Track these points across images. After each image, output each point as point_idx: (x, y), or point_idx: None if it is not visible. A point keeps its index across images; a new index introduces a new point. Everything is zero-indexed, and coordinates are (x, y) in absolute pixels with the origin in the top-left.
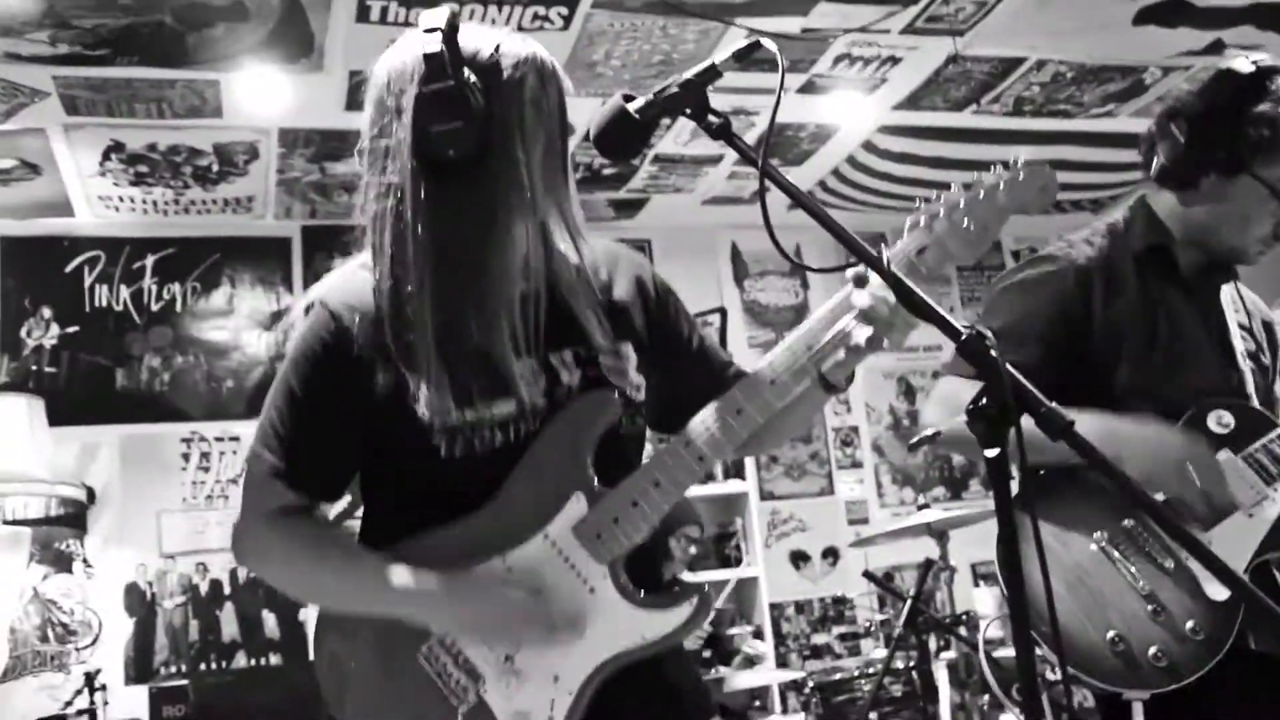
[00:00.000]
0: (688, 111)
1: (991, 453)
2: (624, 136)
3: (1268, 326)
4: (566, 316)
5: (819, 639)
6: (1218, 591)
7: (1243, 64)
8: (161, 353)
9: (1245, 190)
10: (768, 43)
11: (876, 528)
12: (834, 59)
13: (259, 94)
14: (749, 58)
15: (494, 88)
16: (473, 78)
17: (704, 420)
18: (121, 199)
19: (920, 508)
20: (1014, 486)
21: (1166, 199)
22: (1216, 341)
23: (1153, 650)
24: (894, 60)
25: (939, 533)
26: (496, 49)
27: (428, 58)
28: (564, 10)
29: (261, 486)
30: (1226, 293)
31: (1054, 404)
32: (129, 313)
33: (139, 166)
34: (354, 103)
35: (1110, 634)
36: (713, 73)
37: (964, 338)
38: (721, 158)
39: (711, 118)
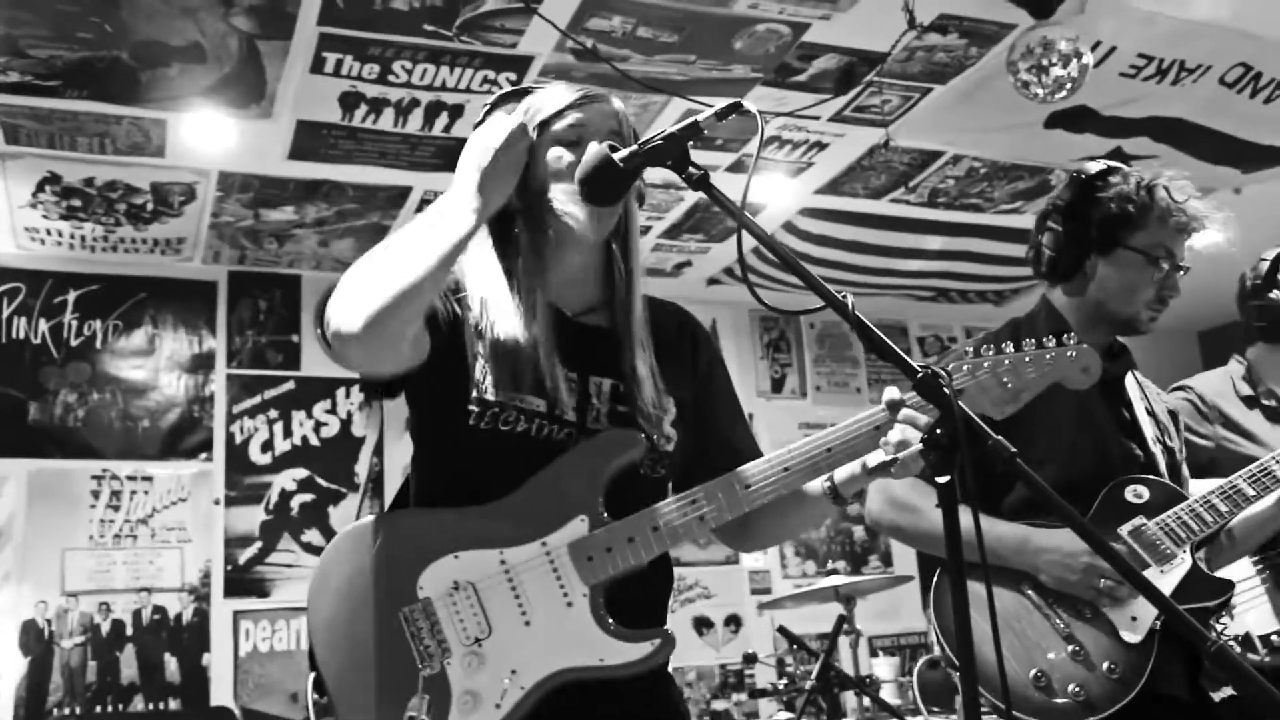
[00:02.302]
0: (669, 163)
1: (942, 479)
2: (607, 183)
3: (1171, 414)
4: (623, 353)
5: (719, 705)
6: (1132, 636)
7: (1091, 165)
8: (78, 388)
9: (1123, 262)
10: (748, 104)
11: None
12: (766, 140)
13: (204, 136)
14: (729, 116)
15: None
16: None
17: (717, 485)
18: (49, 232)
19: (830, 573)
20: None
21: (1060, 295)
22: (1126, 424)
23: (1072, 687)
24: (821, 145)
25: (846, 597)
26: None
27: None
28: (513, 76)
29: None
30: (1130, 380)
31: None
32: (46, 346)
33: (73, 200)
34: (298, 151)
35: (1033, 671)
36: (694, 129)
37: (920, 376)
38: (648, 228)
39: (692, 169)
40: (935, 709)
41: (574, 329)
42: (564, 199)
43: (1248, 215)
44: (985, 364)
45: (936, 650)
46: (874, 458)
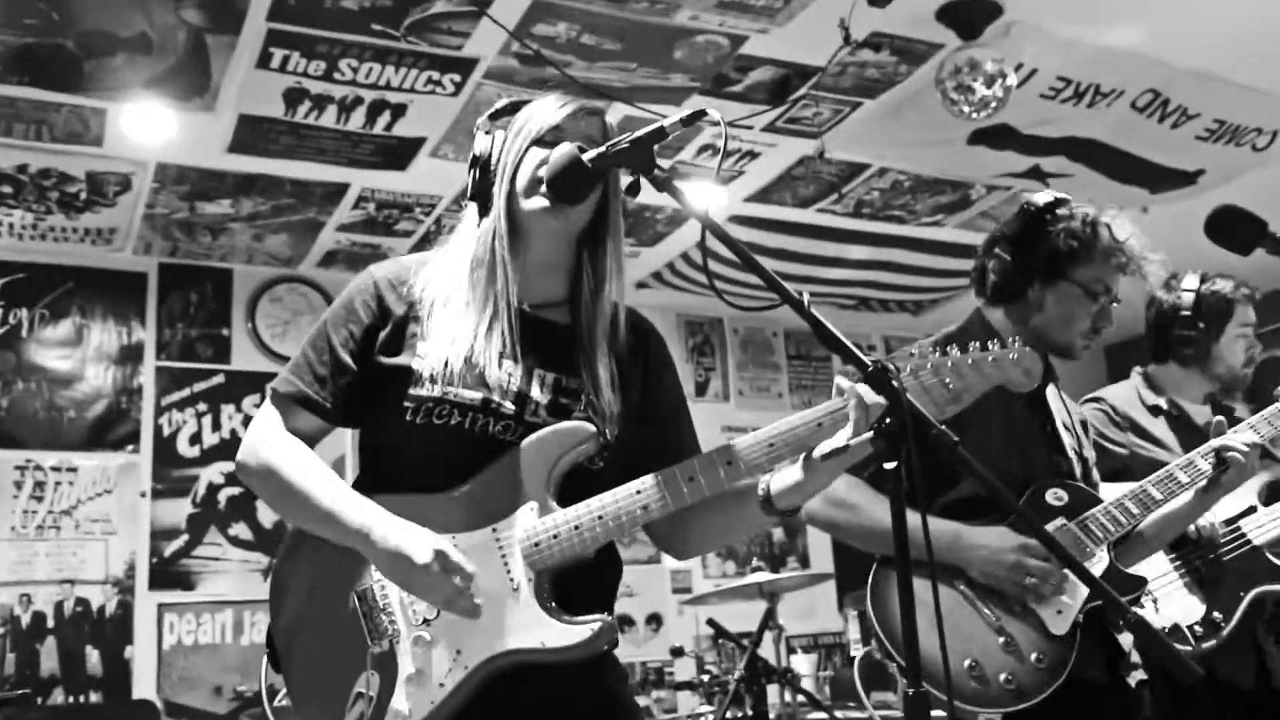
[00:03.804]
0: (635, 164)
1: (890, 465)
2: (575, 181)
3: (1083, 424)
4: (576, 349)
5: (639, 701)
6: (1059, 628)
7: (1041, 196)
8: (2, 377)
9: (1064, 293)
10: (713, 111)
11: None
12: (698, 148)
13: (144, 127)
14: (695, 123)
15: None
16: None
17: (659, 476)
18: None
19: (754, 569)
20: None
21: (997, 313)
22: (1048, 434)
23: (1003, 676)
24: (753, 155)
25: (769, 594)
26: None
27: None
28: (457, 78)
29: (287, 407)
30: (1051, 391)
31: (943, 426)
32: None
33: (3, 187)
34: (238, 145)
35: (967, 662)
36: (660, 133)
37: (870, 370)
38: None
39: (657, 171)
40: (850, 703)
41: (529, 322)
42: (530, 196)
43: (1153, 235)
44: (929, 364)
45: (874, 643)
46: (822, 447)
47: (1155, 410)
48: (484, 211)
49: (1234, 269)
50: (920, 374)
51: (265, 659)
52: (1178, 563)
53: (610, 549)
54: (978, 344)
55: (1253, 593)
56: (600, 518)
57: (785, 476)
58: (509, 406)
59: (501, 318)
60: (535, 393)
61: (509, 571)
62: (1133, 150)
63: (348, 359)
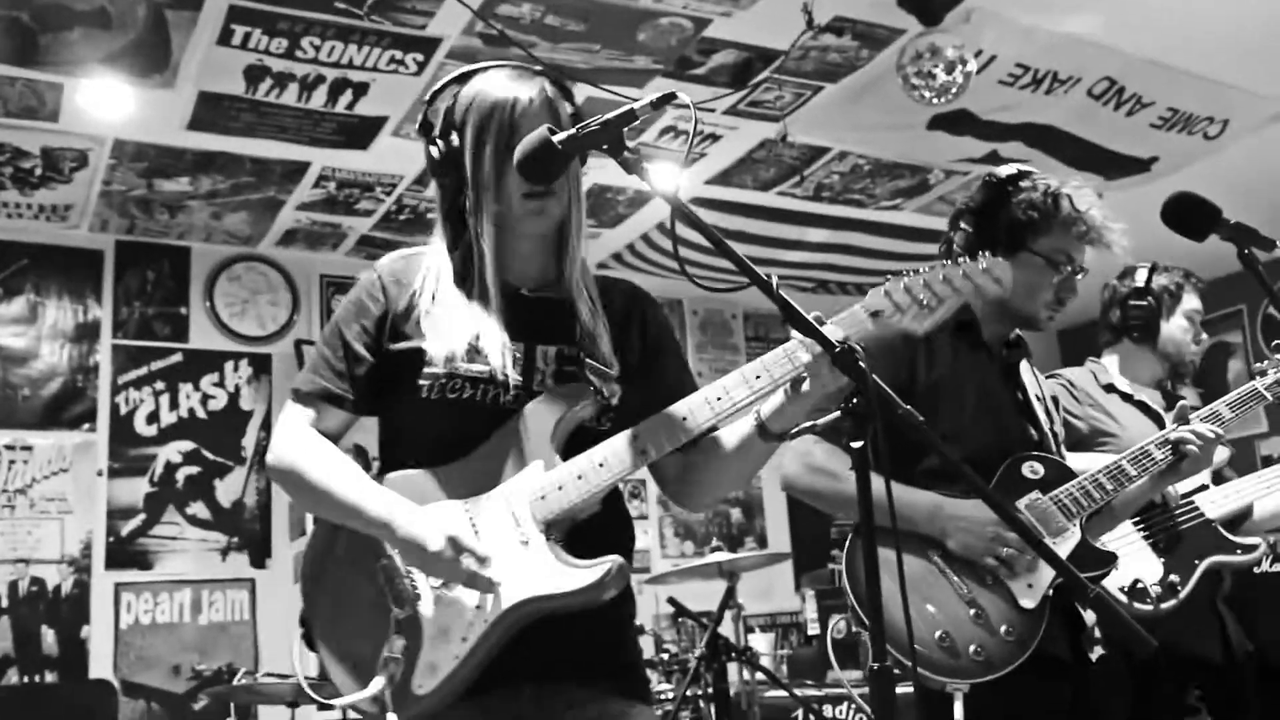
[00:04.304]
0: (605, 146)
1: (856, 444)
2: (545, 162)
3: (1054, 400)
4: (573, 322)
5: None
6: (1028, 602)
7: (1005, 169)
8: None
9: (1026, 264)
10: (683, 95)
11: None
12: (660, 130)
13: (102, 103)
14: (664, 106)
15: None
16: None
17: (654, 420)
18: None
19: (714, 549)
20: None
21: None
22: (1021, 406)
23: (972, 647)
24: (714, 137)
25: (729, 573)
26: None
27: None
28: (420, 57)
29: (311, 404)
30: (1025, 366)
31: (908, 407)
32: None
33: None
34: (197, 122)
35: (938, 633)
36: (630, 116)
37: (838, 350)
38: None
39: (626, 153)
40: (808, 681)
41: (527, 303)
42: (517, 200)
43: None
44: (902, 283)
45: (849, 612)
46: (798, 384)
47: (1109, 388)
48: (464, 205)
49: (1190, 253)
50: (894, 295)
51: (299, 639)
52: (1141, 526)
53: (620, 510)
54: (948, 261)
55: (1207, 561)
56: (601, 465)
57: (772, 402)
58: (516, 377)
59: (499, 301)
60: (540, 364)
61: (519, 526)
62: (1088, 137)
63: (362, 350)
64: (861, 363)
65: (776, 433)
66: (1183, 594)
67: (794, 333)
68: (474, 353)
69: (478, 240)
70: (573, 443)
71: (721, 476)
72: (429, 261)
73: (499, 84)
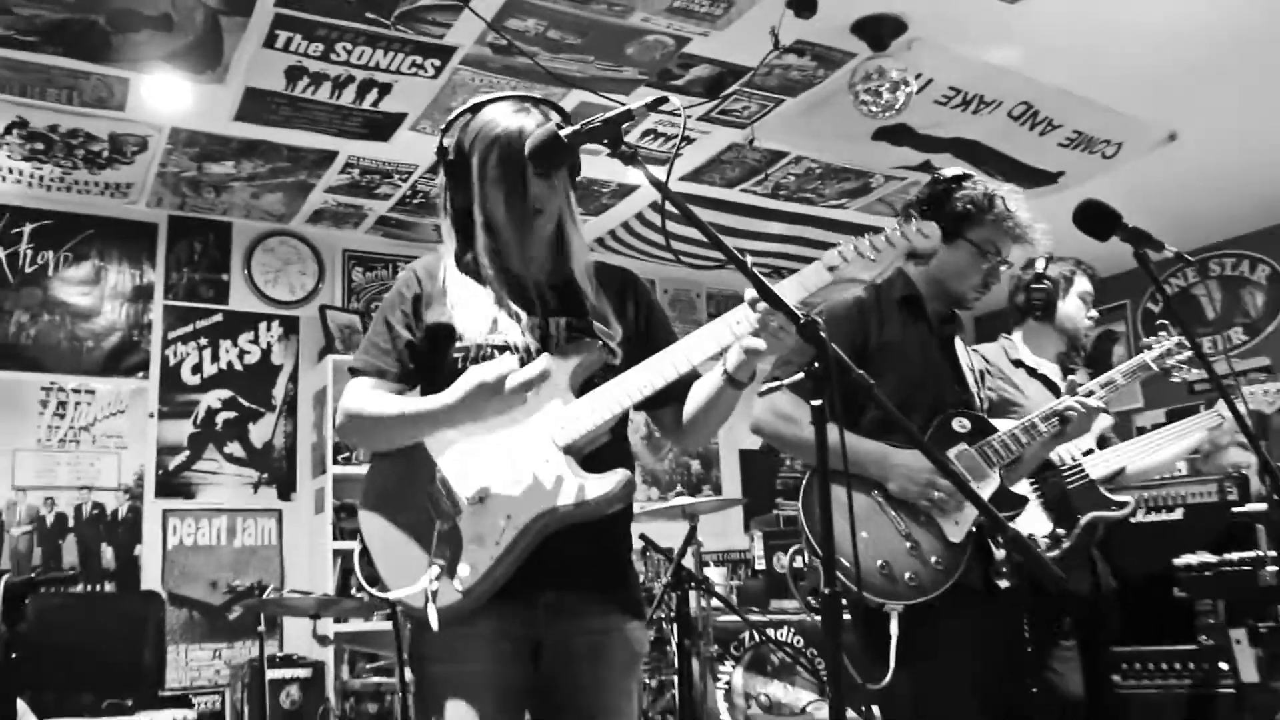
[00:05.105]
0: (605, 141)
1: (816, 403)
2: (553, 153)
3: (982, 373)
4: (580, 299)
5: None
6: (956, 537)
7: (949, 170)
8: (30, 310)
9: (961, 250)
10: (674, 99)
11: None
12: (643, 132)
13: (162, 95)
14: (657, 109)
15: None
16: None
17: (646, 362)
18: (10, 170)
19: (677, 494)
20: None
21: (913, 268)
22: (954, 371)
23: (908, 575)
24: (689, 140)
25: (690, 515)
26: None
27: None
28: (437, 62)
29: (364, 375)
30: (959, 342)
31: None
32: (3, 271)
33: (36, 144)
34: (243, 114)
35: (879, 562)
36: (627, 115)
37: (803, 322)
38: None
39: (624, 148)
40: (754, 608)
41: (539, 287)
42: (515, 218)
43: None
44: (852, 243)
45: (804, 544)
46: (751, 341)
47: (1017, 364)
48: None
49: (1084, 252)
50: (846, 254)
51: (358, 564)
52: (1035, 485)
53: (624, 441)
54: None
55: (1088, 516)
56: (608, 399)
57: (734, 357)
58: (535, 344)
59: (514, 287)
60: (553, 332)
61: (542, 448)
62: (1007, 152)
63: (404, 331)
64: (823, 332)
65: (742, 381)
66: (1066, 545)
67: (746, 302)
68: (498, 329)
69: (488, 243)
70: (583, 394)
71: (706, 419)
72: (449, 260)
73: (504, 115)
